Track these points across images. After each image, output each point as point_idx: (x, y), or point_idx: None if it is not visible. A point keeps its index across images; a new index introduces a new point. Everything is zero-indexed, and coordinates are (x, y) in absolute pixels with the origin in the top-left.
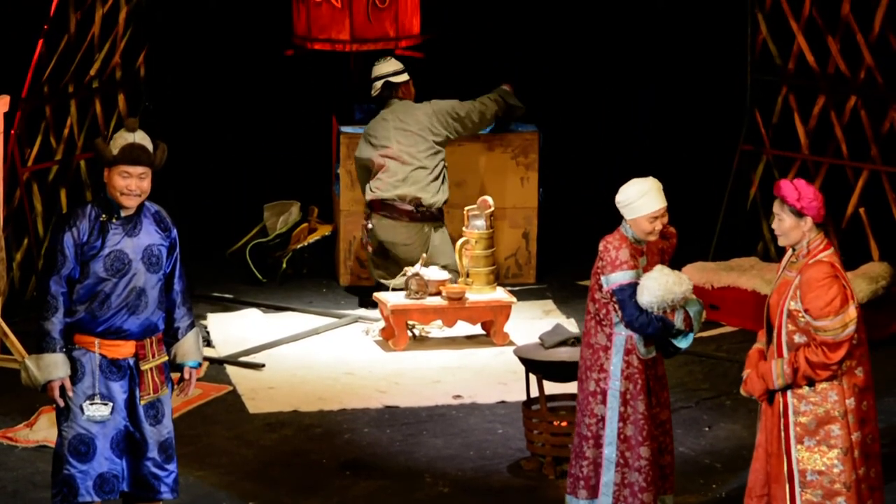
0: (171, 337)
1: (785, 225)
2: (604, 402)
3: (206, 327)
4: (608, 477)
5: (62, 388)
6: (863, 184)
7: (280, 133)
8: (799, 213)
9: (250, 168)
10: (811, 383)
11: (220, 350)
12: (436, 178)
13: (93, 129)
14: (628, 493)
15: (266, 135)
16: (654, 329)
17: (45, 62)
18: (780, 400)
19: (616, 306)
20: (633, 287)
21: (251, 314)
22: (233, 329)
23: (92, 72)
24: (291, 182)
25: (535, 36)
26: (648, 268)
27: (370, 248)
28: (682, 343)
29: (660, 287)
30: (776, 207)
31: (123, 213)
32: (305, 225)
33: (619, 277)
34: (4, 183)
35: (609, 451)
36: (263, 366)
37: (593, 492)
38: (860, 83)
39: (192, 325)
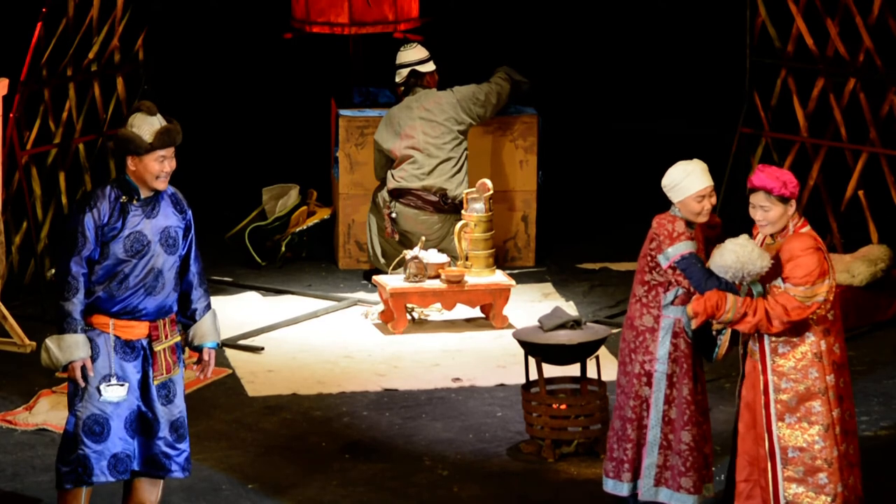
0: (188, 318)
1: (772, 214)
2: (649, 384)
3: None
4: (651, 459)
5: (83, 369)
6: (862, 167)
7: (279, 116)
8: (786, 200)
9: (249, 151)
10: (776, 350)
11: (220, 333)
12: (459, 170)
13: (91, 113)
14: (669, 475)
15: (265, 118)
16: None
17: (43, 45)
18: (761, 379)
19: (679, 278)
20: (695, 256)
21: (250, 297)
22: (232, 312)
23: (91, 55)
24: (290, 165)
25: (534, 31)
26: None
27: (396, 237)
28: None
29: (745, 253)
30: (760, 200)
31: (143, 195)
32: (304, 208)
33: (680, 248)
34: (3, 166)
35: (653, 434)
36: (262, 349)
37: (637, 474)
38: (859, 66)
39: (209, 307)
